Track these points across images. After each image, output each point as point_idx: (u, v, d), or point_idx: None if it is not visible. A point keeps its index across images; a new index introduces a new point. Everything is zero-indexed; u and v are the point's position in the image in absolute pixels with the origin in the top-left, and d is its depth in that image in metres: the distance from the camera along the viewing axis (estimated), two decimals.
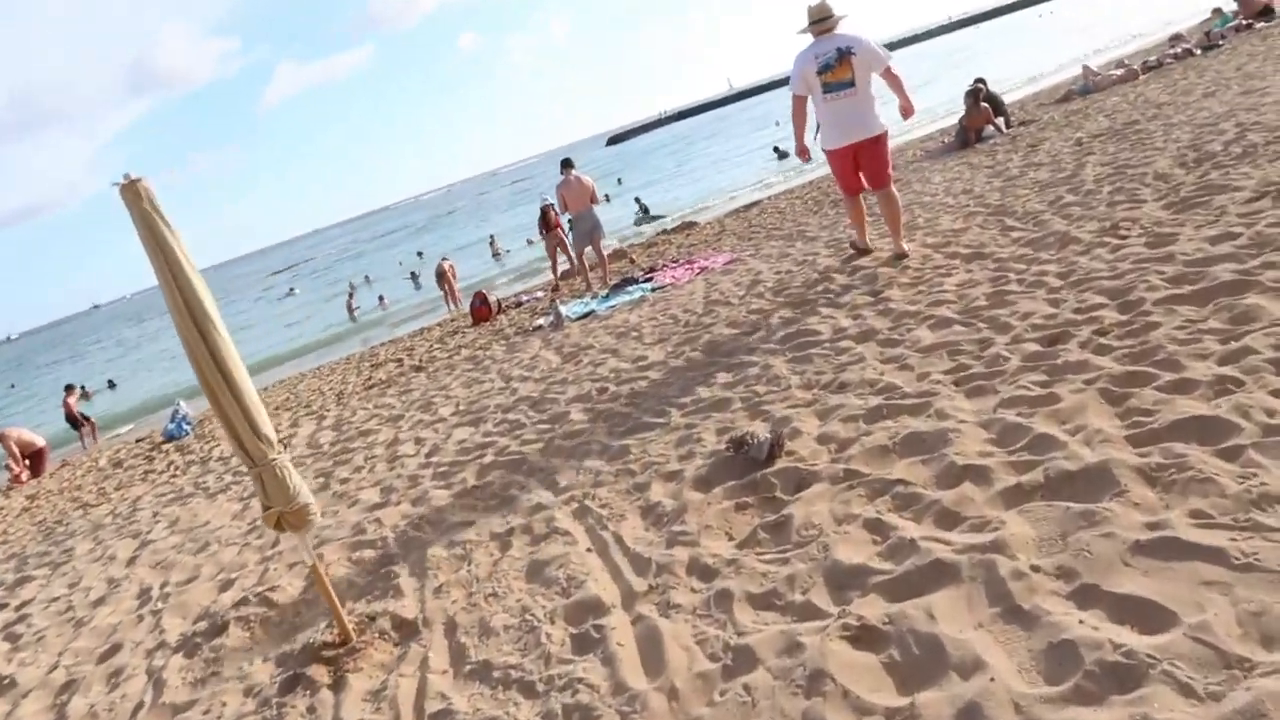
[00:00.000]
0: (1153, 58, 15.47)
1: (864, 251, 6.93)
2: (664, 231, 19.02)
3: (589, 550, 3.54)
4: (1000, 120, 13.24)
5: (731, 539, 3.21)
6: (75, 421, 17.97)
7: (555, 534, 3.78)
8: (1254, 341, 3.23)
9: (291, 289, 49.74)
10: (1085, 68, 15.93)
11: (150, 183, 3.01)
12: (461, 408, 6.91)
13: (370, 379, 10.72)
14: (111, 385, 29.10)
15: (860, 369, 4.41)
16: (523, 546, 3.81)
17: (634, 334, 7.27)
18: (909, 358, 4.33)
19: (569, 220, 11.84)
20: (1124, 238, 5.12)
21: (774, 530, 3.11)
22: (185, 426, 12.51)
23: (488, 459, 5.22)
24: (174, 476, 8.58)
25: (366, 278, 39.72)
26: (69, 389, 18.64)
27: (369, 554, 4.39)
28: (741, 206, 18.37)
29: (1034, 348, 3.92)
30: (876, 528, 2.89)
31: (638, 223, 26.38)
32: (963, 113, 13.47)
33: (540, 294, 13.94)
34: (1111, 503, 2.56)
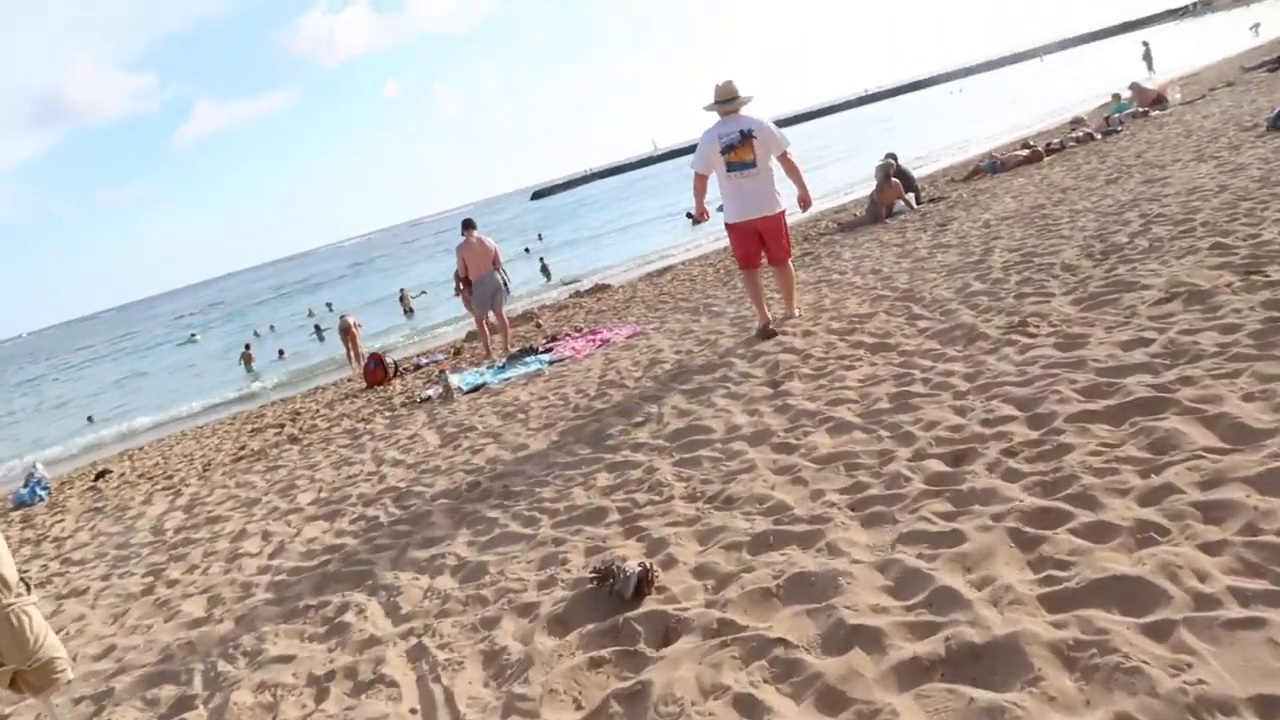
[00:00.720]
0: (1056, 140, 15.87)
1: (766, 334, 6.70)
2: (577, 294, 18.63)
3: (413, 713, 2.92)
4: (911, 196, 13.27)
5: (580, 708, 2.65)
6: None
7: (380, 684, 3.15)
8: (1176, 477, 2.86)
9: (193, 335, 47.61)
10: (990, 155, 16.29)
11: None
12: (323, 495, 6.21)
13: (243, 448, 9.86)
14: None
15: (750, 479, 3.94)
16: (340, 697, 3.17)
17: (521, 415, 6.71)
18: (803, 469, 3.88)
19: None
20: (1033, 335, 4.82)
21: (629, 702, 2.56)
22: (40, 492, 11.38)
23: (332, 567, 4.56)
24: None
25: (271, 327, 38.25)
26: None
27: (169, 691, 3.67)
28: (656, 271, 18.12)
29: (939, 466, 3.50)
30: (748, 708, 2.37)
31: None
32: (874, 187, 13.49)
33: (441, 357, 13.27)
34: (1024, 694, 2.10)
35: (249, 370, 26.25)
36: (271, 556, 5.13)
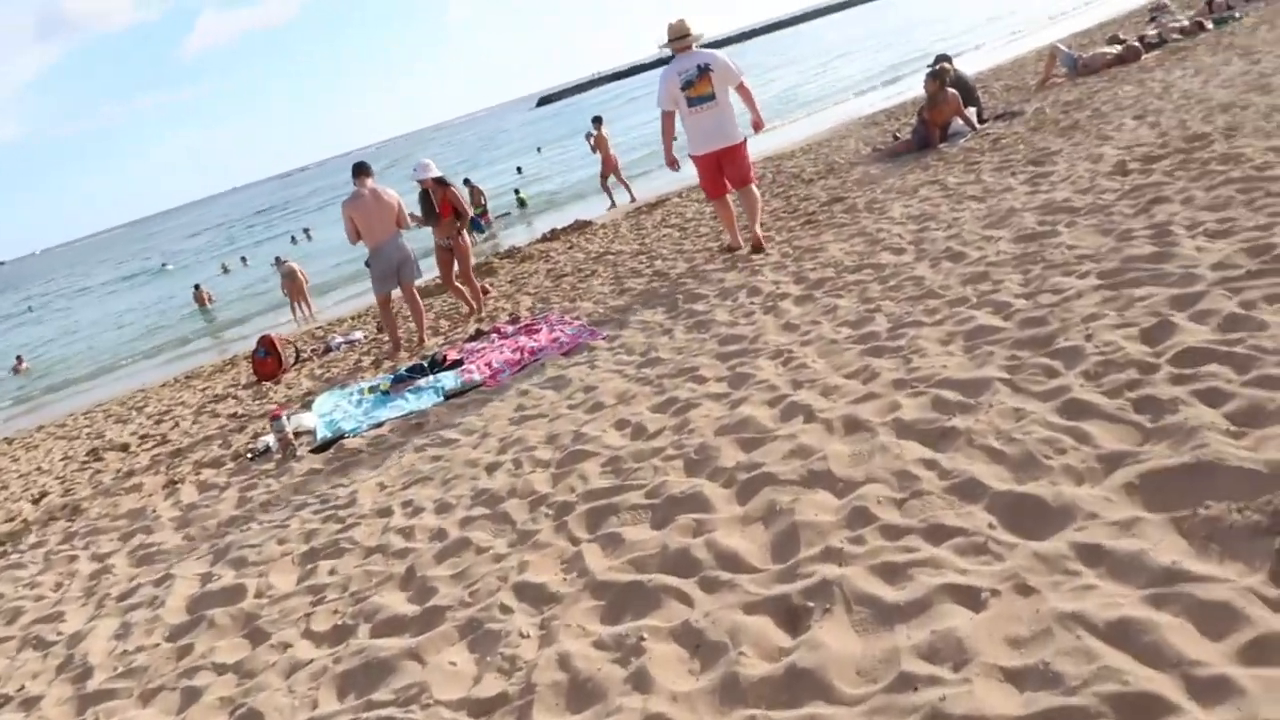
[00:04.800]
0: (1152, 31, 12.31)
1: (733, 249, 7.23)
2: (550, 235, 15.44)
3: None
4: (972, 112, 9.94)
5: None
6: None
7: None
8: None
9: (164, 264, 44.58)
10: (1055, 47, 12.66)
11: None
12: None
13: (18, 516, 6.89)
14: None
15: None
16: None
17: (352, 520, 3.79)
18: None
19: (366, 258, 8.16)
20: None
21: None
22: None
23: None
24: None
25: (243, 259, 35.08)
26: None
27: None
28: (647, 205, 14.82)
29: None
30: None
31: (509, 215, 22.56)
32: (922, 102, 10.15)
33: (357, 336, 10.26)
34: None
35: (204, 312, 23.34)
36: None
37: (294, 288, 17.94)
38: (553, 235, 15.14)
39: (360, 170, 7.90)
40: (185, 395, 10.65)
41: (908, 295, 4.64)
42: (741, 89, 6.84)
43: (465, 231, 8.66)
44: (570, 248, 12.45)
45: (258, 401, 8.20)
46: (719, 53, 6.90)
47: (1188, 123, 6.45)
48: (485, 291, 10.26)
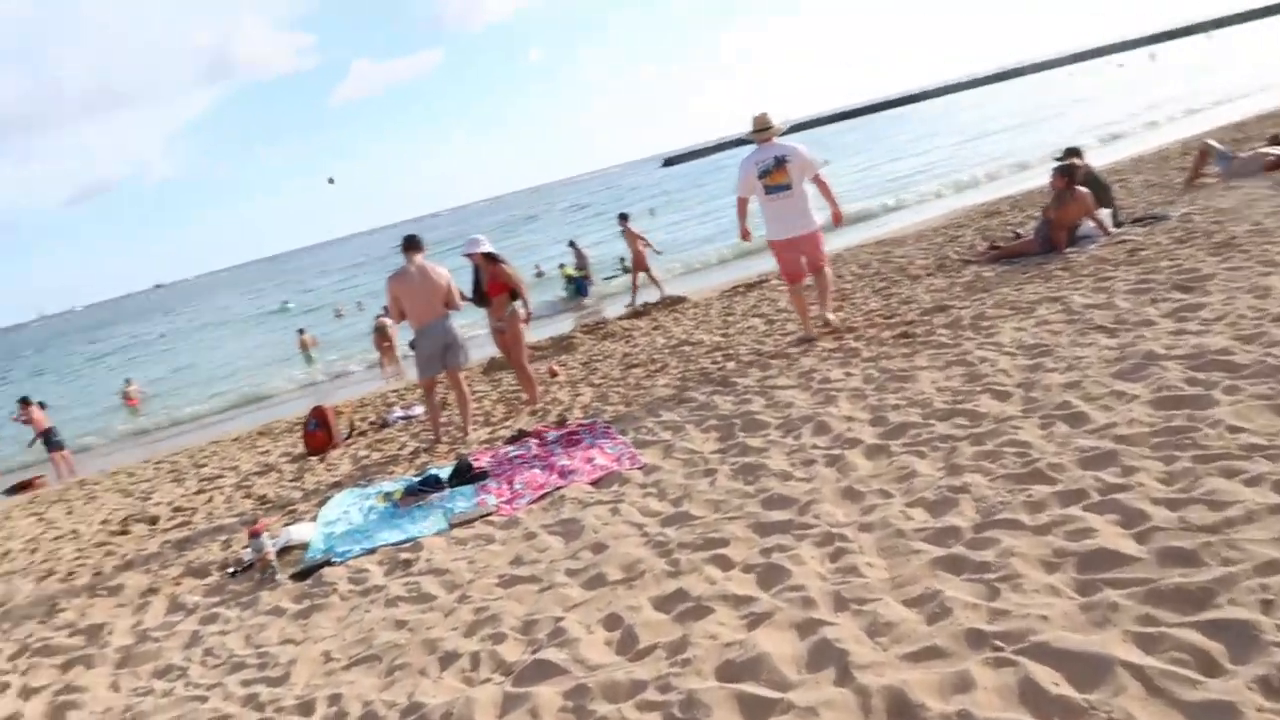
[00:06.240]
0: None
1: (809, 341, 7.31)
2: (643, 306, 14.74)
3: None
4: (1105, 214, 8.74)
5: None
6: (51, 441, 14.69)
7: None
8: None
9: (285, 302, 46.13)
10: (1207, 143, 11.22)
11: None
12: None
13: (7, 603, 6.46)
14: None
15: None
16: None
17: (272, 711, 3.04)
18: None
19: (411, 339, 7.59)
20: None
21: None
22: None
23: None
24: None
25: (359, 305, 35.77)
26: (26, 402, 15.24)
27: None
28: (745, 285, 13.93)
29: None
30: None
31: (569, 295, 20.99)
32: (1047, 200, 9.00)
33: (418, 410, 9.71)
34: None
35: (307, 358, 23.61)
36: None
37: (383, 344, 17.81)
38: (644, 310, 14.47)
39: (410, 244, 7.34)
40: (244, 457, 10.33)
41: (1006, 471, 3.61)
42: (818, 181, 7.19)
43: (522, 308, 7.96)
44: (655, 328, 11.71)
45: (294, 483, 7.68)
46: (799, 145, 7.23)
47: None
48: (554, 374, 9.59)
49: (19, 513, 10.47)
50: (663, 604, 3.25)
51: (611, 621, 3.20)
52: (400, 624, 3.73)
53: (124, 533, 7.45)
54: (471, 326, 11.20)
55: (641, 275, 16.98)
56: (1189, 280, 5.86)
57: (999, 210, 14.26)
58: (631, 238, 16.79)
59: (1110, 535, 2.87)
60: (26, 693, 4.15)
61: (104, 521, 8.24)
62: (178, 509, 7.89)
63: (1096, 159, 18.23)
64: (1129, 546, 2.78)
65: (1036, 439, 3.87)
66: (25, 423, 15.07)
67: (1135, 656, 2.22)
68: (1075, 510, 3.11)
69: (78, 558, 6.85)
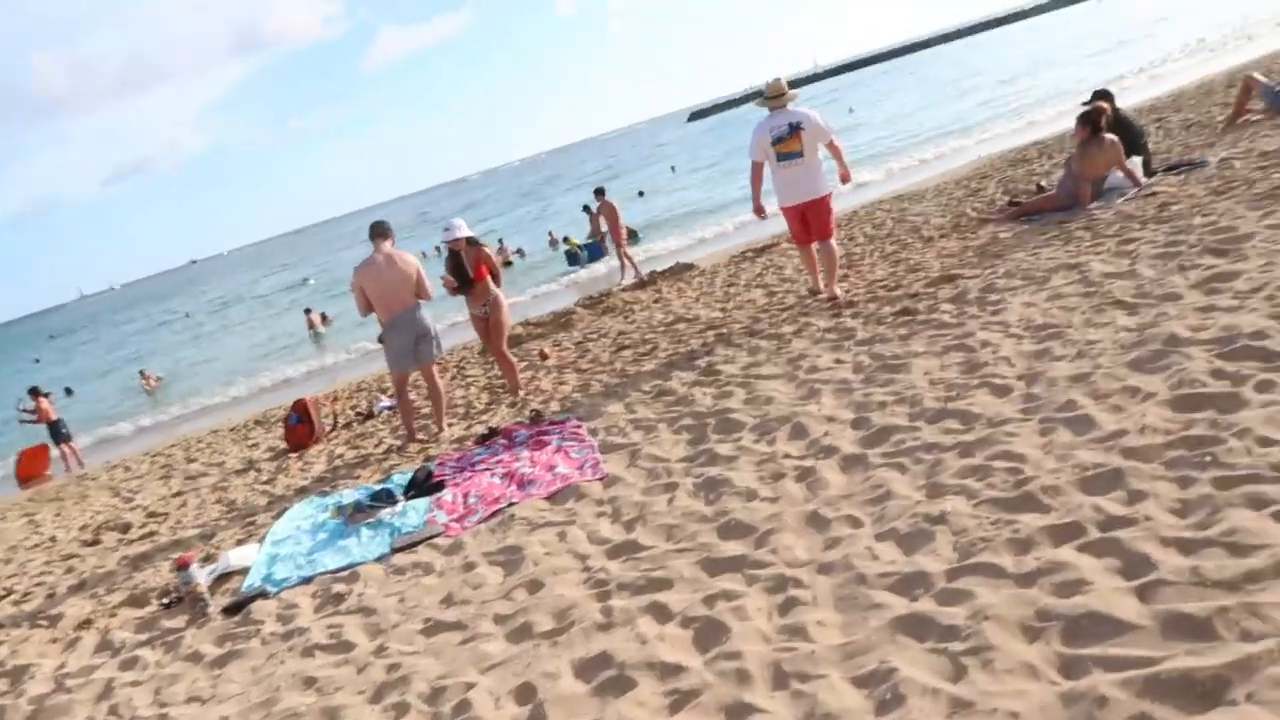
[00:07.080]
0: None
1: (815, 293, 7.61)
2: (649, 276, 14.20)
3: None
4: (1136, 163, 7.99)
5: None
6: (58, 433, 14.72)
7: None
8: None
9: (306, 278, 46.03)
10: (1251, 76, 10.26)
11: None
12: None
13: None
14: (69, 392, 25.56)
15: None
16: None
17: None
18: None
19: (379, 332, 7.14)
20: None
21: None
22: None
23: None
24: None
25: None
26: (36, 392, 15.25)
27: None
28: (753, 250, 13.31)
29: None
30: None
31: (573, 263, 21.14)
32: (1071, 150, 8.26)
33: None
34: None
35: (314, 336, 23.37)
36: None
37: None
38: (651, 279, 13.95)
39: (377, 231, 6.85)
40: (233, 450, 10.08)
41: (993, 494, 3.08)
42: (831, 146, 7.15)
43: (502, 294, 7.51)
44: (656, 300, 11.21)
45: (266, 485, 7.34)
46: (813, 112, 7.19)
47: None
48: (545, 357, 9.13)
49: (15, 513, 10.33)
50: (584, 669, 2.79)
51: (524, 693, 2.75)
52: (309, 682, 3.31)
53: (95, 543, 7.17)
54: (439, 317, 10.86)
55: (615, 247, 16.24)
56: (1224, 241, 5.20)
57: (1026, 157, 13.44)
58: (609, 212, 15.84)
59: (1106, 591, 2.34)
60: None
61: (82, 528, 8.00)
62: (151, 514, 7.61)
63: (1136, 96, 17.17)
64: (1127, 608, 2.26)
65: (1032, 450, 3.32)
66: (32, 413, 14.97)
67: None
68: (1067, 552, 2.59)
69: (41, 573, 6.57)
